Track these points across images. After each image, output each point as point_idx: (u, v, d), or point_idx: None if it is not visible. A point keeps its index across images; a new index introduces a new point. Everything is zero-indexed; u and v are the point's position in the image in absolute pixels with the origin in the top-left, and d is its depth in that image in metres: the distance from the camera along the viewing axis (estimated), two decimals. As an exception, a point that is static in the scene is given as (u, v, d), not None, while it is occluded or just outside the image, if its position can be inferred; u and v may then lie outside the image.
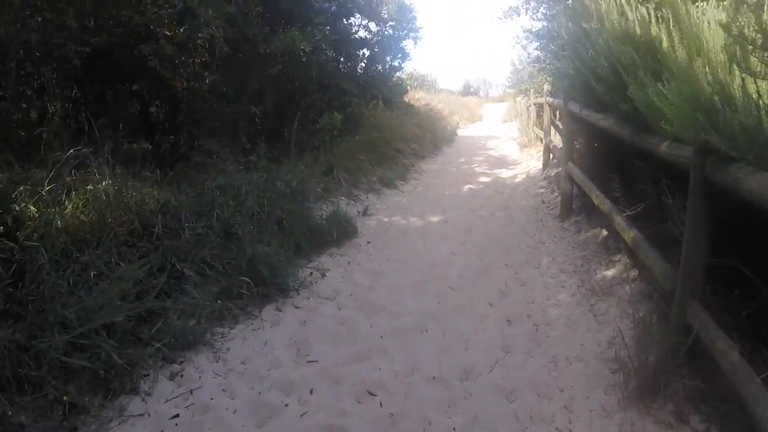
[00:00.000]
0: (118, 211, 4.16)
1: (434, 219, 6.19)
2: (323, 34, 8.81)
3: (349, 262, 4.73)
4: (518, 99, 22.13)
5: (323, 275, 4.34)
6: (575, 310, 3.74)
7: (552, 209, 6.32)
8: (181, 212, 4.31)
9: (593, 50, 3.53)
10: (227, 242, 4.32)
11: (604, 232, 4.84)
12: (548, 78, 8.75)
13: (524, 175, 8.85)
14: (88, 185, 4.25)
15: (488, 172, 9.56)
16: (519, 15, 9.17)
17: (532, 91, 11.62)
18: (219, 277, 3.92)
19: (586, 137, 5.33)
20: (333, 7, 10.12)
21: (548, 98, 8.37)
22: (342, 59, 12.18)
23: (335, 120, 8.52)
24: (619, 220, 3.75)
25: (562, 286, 4.14)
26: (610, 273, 4.15)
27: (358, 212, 6.21)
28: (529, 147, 11.75)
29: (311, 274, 4.32)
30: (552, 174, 7.96)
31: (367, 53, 13.12)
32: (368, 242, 5.28)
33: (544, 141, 8.69)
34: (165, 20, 4.70)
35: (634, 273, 3.98)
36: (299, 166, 6.66)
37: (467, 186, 8.19)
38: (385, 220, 6.13)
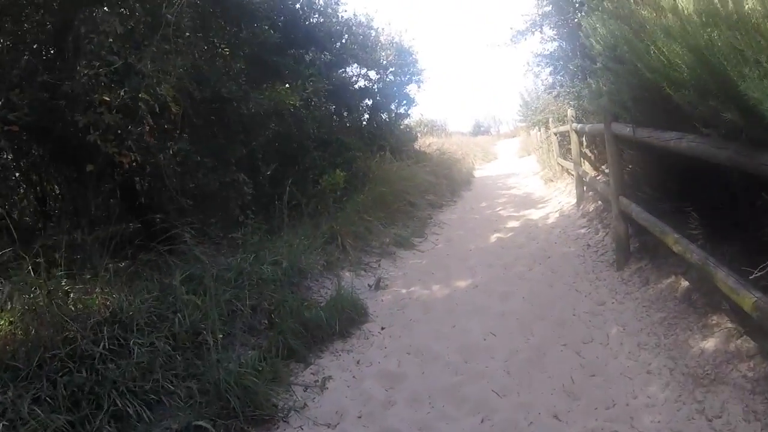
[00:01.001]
0: (54, 326, 3.26)
1: (462, 284, 5.09)
2: (315, 87, 7.99)
3: (358, 362, 3.63)
4: (533, 132, 21.18)
5: (323, 388, 3.25)
6: (678, 411, 2.60)
7: (602, 255, 5.20)
8: (135, 321, 3.35)
9: (656, 47, 2.50)
10: (194, 356, 3.30)
11: (684, 283, 3.72)
12: (570, 102, 7.75)
13: (557, 214, 7.75)
14: (23, 294, 3.42)
15: (515, 214, 8.48)
16: (532, 34, 8.27)
17: (550, 119, 10.62)
18: (179, 409, 2.88)
19: (642, 164, 4.25)
20: (326, 58, 9.36)
21: (574, 124, 7.35)
22: (343, 112, 11.41)
23: (337, 178, 7.60)
24: (723, 277, 2.64)
25: (649, 372, 3.00)
26: (709, 345, 3.01)
27: (369, 286, 5.15)
28: (554, 181, 10.69)
29: (306, 389, 3.24)
30: (590, 209, 6.86)
31: (370, 103, 12.36)
32: (382, 328, 4.18)
33: (574, 173, 7.63)
34: (102, 83, 3.82)
35: (747, 344, 2.85)
36: (299, 237, 5.71)
37: (495, 235, 7.11)
38: (403, 292, 5.06)
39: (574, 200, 7.90)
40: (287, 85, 7.62)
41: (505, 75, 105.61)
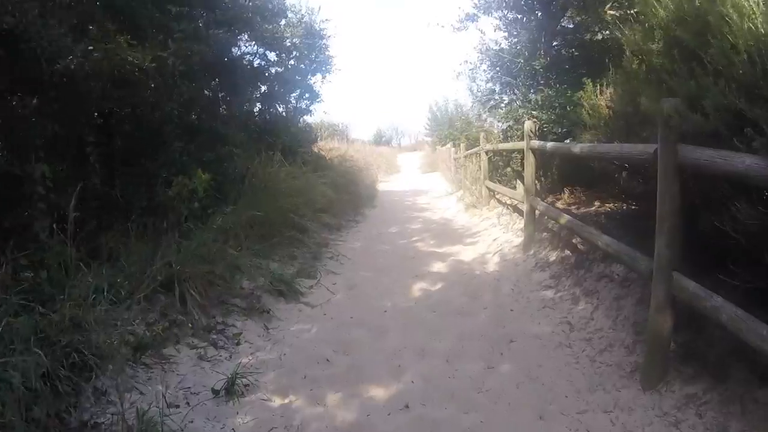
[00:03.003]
0: None
1: (380, 395, 2.90)
2: (180, 47, 5.53)
3: None
4: (442, 147, 19.62)
5: None
6: None
7: (604, 350, 3.25)
8: None
9: None
10: None
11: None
12: (532, 112, 5.88)
13: (497, 258, 5.82)
14: None
15: (438, 251, 6.48)
16: (487, 15, 6.39)
17: (482, 135, 8.80)
18: None
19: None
20: (204, 15, 6.84)
21: (534, 141, 5.47)
22: (228, 96, 8.83)
23: (199, 182, 5.23)
24: None
25: None
26: None
27: (215, 392, 2.84)
28: (479, 208, 8.86)
29: None
30: (552, 259, 4.99)
31: (264, 89, 9.93)
32: None
33: (525, 204, 5.72)
34: None
35: None
36: (113, 280, 3.40)
37: (418, 285, 5.01)
38: (275, 406, 2.78)
39: (518, 239, 6.04)
40: (137, 39, 5.13)
41: (415, 84, 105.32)
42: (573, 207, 5.90)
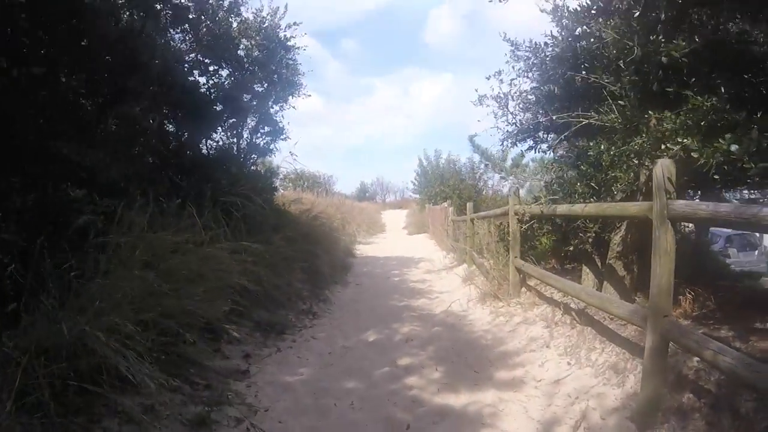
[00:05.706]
0: None
1: None
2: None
3: None
4: (439, 206, 16.76)
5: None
6: None
7: None
8: None
9: None
10: None
11: None
12: (681, 141, 2.82)
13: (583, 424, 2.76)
14: None
15: (455, 405, 3.34)
16: None
17: (513, 191, 5.79)
18: None
19: None
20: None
21: (683, 202, 2.43)
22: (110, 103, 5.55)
23: None
24: None
25: None
26: None
27: None
28: (502, 299, 5.80)
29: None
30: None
31: (209, 107, 6.91)
32: None
33: (650, 334, 2.67)
34: None
35: None
36: None
37: None
38: None
39: (614, 393, 3.00)
40: None
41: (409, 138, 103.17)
42: (727, 332, 2.94)
